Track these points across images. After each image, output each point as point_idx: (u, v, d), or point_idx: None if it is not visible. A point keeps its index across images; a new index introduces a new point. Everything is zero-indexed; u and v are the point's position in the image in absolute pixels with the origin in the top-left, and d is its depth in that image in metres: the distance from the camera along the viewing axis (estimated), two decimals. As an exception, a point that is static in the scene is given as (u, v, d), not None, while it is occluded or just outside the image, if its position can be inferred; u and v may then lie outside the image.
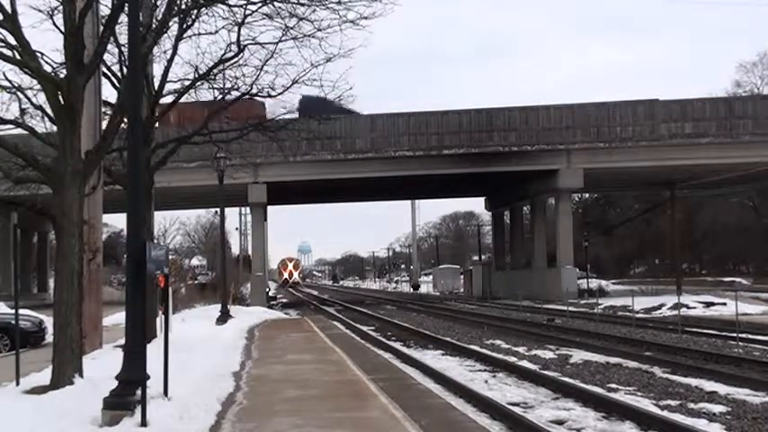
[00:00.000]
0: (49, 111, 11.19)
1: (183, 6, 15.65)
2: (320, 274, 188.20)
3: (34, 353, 16.03)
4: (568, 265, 42.31)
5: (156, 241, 22.05)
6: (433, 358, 17.40)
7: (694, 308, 29.17)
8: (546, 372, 14.43)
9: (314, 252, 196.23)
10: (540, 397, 11.96)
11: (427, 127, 43.39)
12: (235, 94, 19.27)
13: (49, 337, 15.90)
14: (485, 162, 42.75)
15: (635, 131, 42.40)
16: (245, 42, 17.33)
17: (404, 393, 10.90)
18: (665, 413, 10.17)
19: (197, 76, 17.86)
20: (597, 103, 43.59)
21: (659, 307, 30.74)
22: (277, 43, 17.70)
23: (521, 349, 18.70)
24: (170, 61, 17.40)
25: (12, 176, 11.60)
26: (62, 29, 10.68)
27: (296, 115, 20.03)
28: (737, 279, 52.36)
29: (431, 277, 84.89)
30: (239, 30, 16.92)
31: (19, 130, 12.18)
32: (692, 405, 10.92)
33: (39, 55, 11.16)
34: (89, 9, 11.15)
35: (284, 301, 59.74)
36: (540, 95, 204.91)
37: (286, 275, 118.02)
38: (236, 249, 71.99)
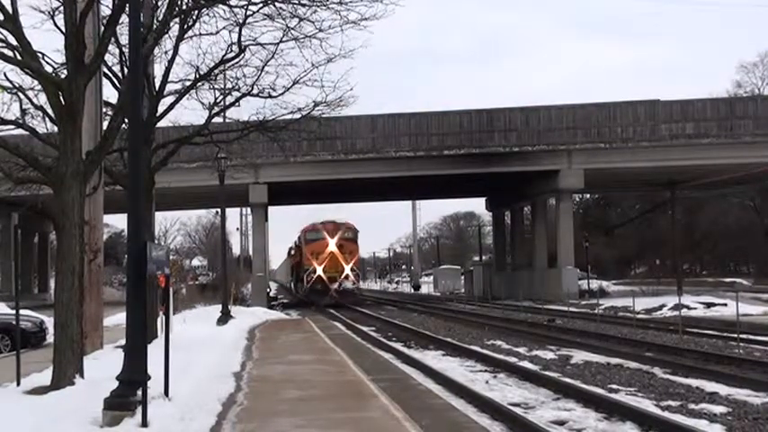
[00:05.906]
0: (49, 111, 11.21)
1: (184, 7, 15.67)
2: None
3: (35, 353, 16.02)
4: (569, 266, 42.28)
5: (156, 242, 22.06)
6: (433, 359, 17.39)
7: (695, 308, 29.16)
8: (547, 372, 14.42)
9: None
10: (540, 397, 11.95)
11: (428, 127, 43.37)
12: (236, 94, 19.31)
13: (50, 338, 15.90)
14: (485, 162, 42.75)
15: (636, 132, 42.38)
16: (246, 43, 17.36)
17: (405, 394, 10.91)
18: (666, 414, 10.16)
19: (198, 76, 17.89)
20: (598, 104, 43.58)
21: (660, 307, 30.72)
22: (278, 44, 17.73)
23: (521, 350, 18.68)
24: (171, 62, 17.45)
25: (13, 177, 11.62)
26: (63, 29, 10.69)
27: (297, 116, 20.02)
28: (738, 280, 52.29)
29: (431, 278, 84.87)
30: (240, 30, 16.95)
31: (20, 131, 12.21)
32: (692, 406, 10.91)
33: (40, 55, 11.20)
34: (90, 10, 11.16)
35: (285, 301, 59.59)
36: (540, 96, 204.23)
37: (320, 271, 46.74)
38: (236, 250, 71.98)
